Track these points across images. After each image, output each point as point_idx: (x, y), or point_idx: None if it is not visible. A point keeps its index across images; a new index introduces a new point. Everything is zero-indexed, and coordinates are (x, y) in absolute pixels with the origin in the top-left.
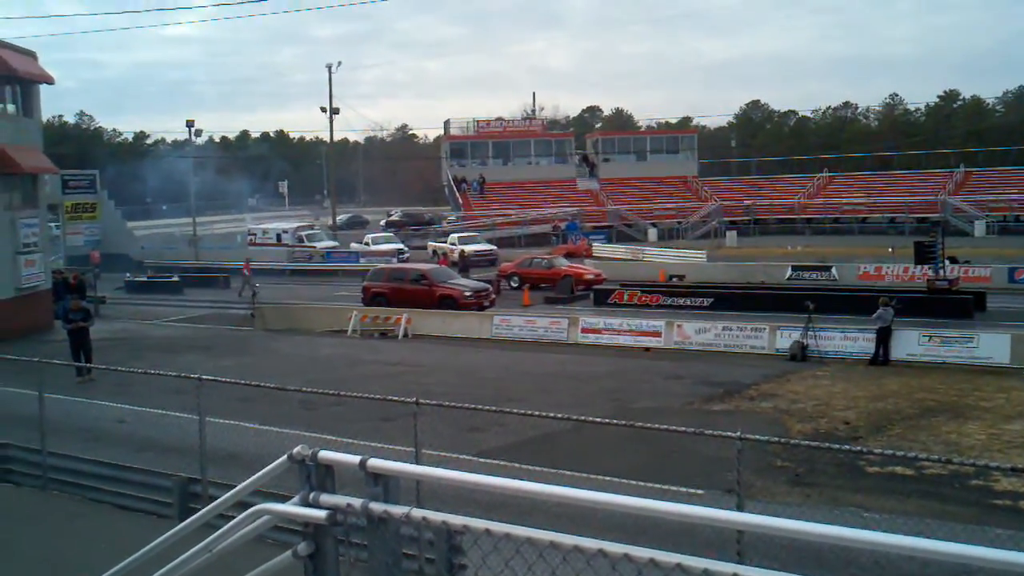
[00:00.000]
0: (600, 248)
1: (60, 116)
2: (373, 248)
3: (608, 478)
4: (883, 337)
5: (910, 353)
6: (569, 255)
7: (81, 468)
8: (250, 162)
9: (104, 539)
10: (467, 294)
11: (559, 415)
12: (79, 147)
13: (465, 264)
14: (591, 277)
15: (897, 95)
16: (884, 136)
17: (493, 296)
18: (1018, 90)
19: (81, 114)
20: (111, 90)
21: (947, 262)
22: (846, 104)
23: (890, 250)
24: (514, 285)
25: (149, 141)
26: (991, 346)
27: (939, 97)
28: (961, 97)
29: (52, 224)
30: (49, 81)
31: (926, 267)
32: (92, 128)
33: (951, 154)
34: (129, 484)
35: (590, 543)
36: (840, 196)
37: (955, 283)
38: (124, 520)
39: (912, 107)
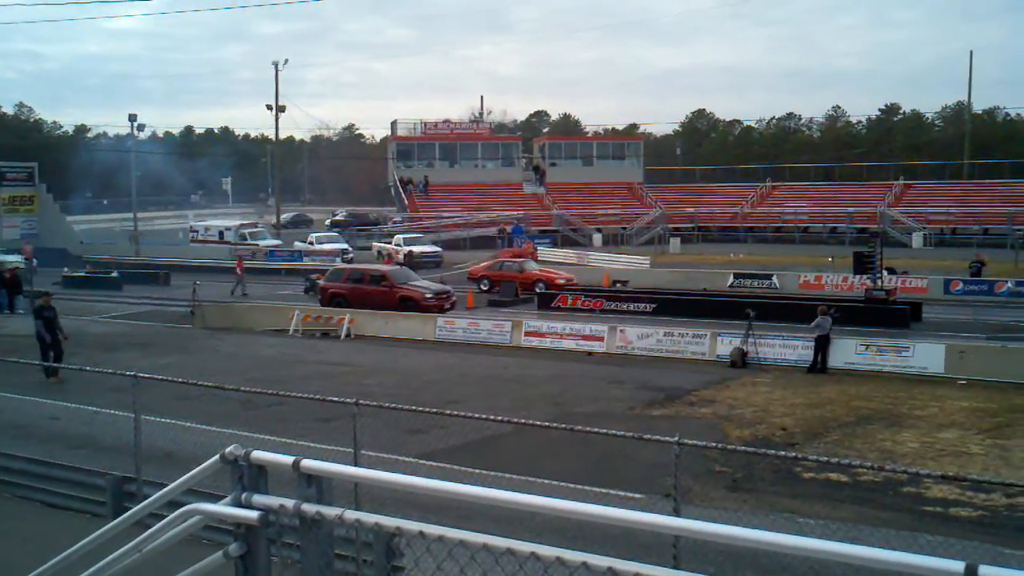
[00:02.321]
0: (545, 252)
1: None
2: (317, 247)
3: (549, 481)
4: (821, 345)
5: (847, 361)
6: (516, 257)
7: (10, 465)
8: (194, 157)
9: (33, 538)
10: (428, 296)
11: (501, 418)
12: (18, 139)
13: (411, 265)
14: (562, 281)
15: (840, 107)
16: (826, 147)
17: (454, 299)
18: (956, 105)
19: (20, 105)
20: (52, 82)
21: (885, 272)
22: (790, 115)
23: (830, 260)
24: (484, 288)
25: (90, 135)
26: (926, 356)
27: (880, 110)
28: (902, 111)
29: None
30: None
31: (865, 277)
32: (31, 120)
33: (891, 167)
34: (61, 482)
35: (523, 546)
36: (782, 205)
37: (892, 293)
38: (55, 519)
39: (854, 119)
